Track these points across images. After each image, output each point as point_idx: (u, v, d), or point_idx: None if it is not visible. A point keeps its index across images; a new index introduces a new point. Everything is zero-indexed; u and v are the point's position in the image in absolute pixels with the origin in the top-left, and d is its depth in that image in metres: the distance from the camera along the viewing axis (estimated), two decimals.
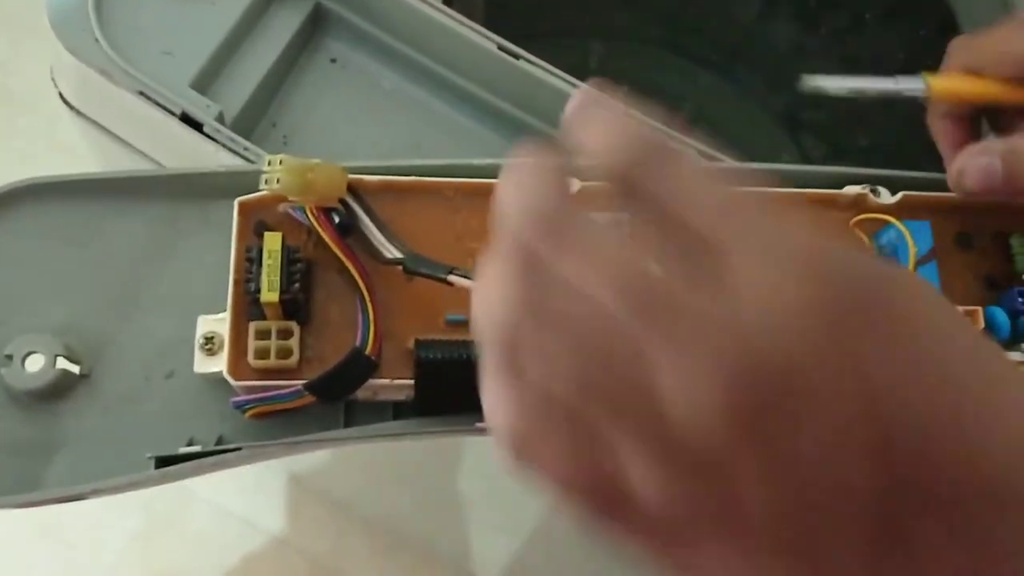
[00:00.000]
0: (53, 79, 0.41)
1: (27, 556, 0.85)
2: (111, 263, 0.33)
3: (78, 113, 0.41)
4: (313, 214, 0.31)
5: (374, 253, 0.30)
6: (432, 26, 0.40)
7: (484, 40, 0.39)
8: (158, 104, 0.36)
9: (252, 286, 0.29)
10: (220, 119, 0.37)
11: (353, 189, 0.31)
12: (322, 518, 0.89)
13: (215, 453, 0.30)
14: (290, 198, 0.30)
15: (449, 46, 0.40)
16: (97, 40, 0.37)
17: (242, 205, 0.31)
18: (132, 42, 0.38)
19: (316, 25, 0.42)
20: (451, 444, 0.63)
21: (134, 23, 0.38)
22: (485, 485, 0.70)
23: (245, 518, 0.89)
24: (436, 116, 0.42)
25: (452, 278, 0.29)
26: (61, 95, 0.41)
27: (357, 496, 0.89)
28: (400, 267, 0.30)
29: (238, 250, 0.31)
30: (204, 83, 0.38)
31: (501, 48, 0.39)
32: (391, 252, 0.30)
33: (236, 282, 0.30)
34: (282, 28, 0.41)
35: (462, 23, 0.39)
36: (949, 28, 0.51)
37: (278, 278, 0.29)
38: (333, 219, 0.31)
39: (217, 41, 0.39)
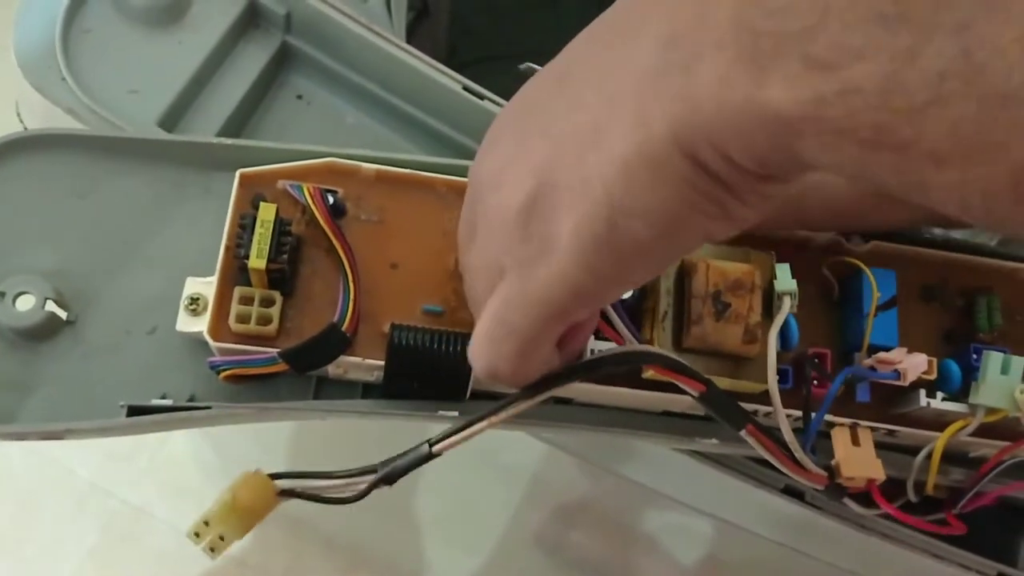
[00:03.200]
0: (18, 114, 0.41)
1: None
2: (110, 219, 0.35)
3: None
4: (310, 193, 0.32)
5: None
6: (397, 65, 0.41)
7: (449, 80, 0.40)
8: None
9: (242, 252, 0.31)
10: None
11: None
12: (280, 537, 0.89)
13: (186, 409, 0.31)
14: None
15: (414, 85, 0.41)
16: (64, 79, 0.38)
17: (243, 176, 0.33)
18: (99, 81, 0.38)
19: (282, 63, 0.43)
20: None
21: (101, 62, 0.39)
22: (446, 503, 0.71)
23: None
24: (399, 152, 0.43)
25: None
26: (27, 131, 0.42)
27: (316, 514, 0.89)
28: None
29: (233, 217, 0.32)
30: (171, 121, 0.39)
31: (466, 88, 0.40)
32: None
33: (227, 248, 0.32)
34: (248, 66, 0.41)
35: (427, 63, 0.40)
36: None
37: (267, 247, 0.30)
38: (327, 199, 0.32)
39: (184, 79, 0.39)
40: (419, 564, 0.85)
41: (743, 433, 0.28)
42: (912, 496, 0.34)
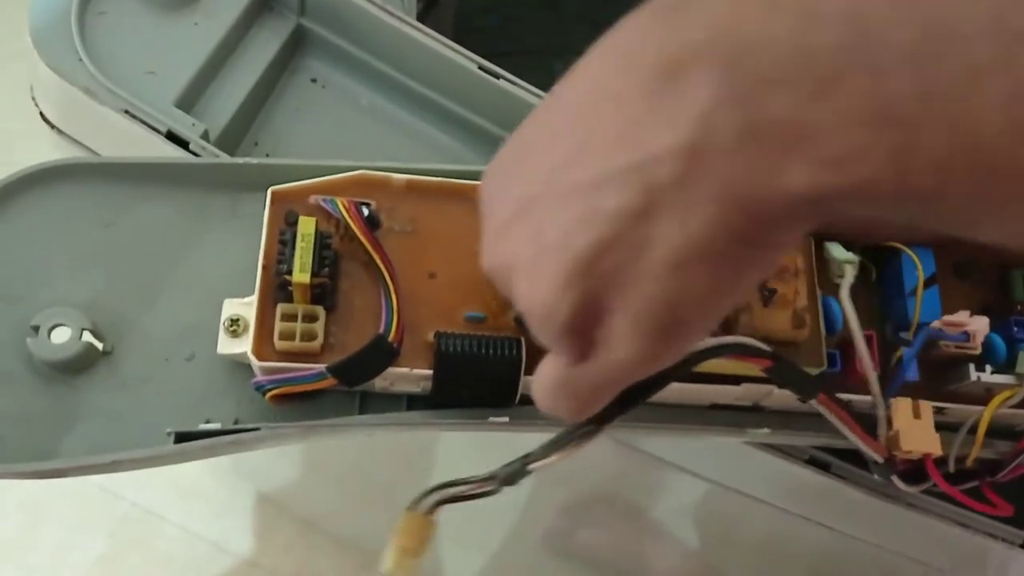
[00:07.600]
0: (33, 98, 0.41)
1: None
2: (139, 246, 0.34)
3: (59, 132, 0.41)
4: (344, 206, 0.32)
5: None
6: (412, 46, 0.41)
7: (465, 60, 0.40)
8: (144, 123, 0.37)
9: (284, 267, 0.30)
10: (205, 137, 0.38)
11: None
12: (292, 538, 0.89)
13: (234, 432, 0.31)
14: None
15: (429, 65, 0.41)
16: (81, 60, 0.38)
17: (275, 194, 0.32)
18: (116, 61, 0.38)
19: (297, 45, 0.43)
20: (422, 462, 0.63)
21: (117, 43, 0.39)
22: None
23: (214, 540, 0.88)
24: (415, 133, 0.43)
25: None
26: (42, 114, 0.41)
27: (327, 516, 0.89)
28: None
29: (269, 235, 0.32)
30: (188, 102, 0.39)
31: (481, 68, 0.40)
32: None
33: (265, 267, 0.31)
34: (264, 48, 0.42)
35: (442, 43, 0.40)
36: None
37: (310, 260, 0.30)
38: (363, 212, 0.32)
39: (200, 61, 0.39)
40: (431, 563, 0.84)
41: (814, 402, 0.28)
42: (951, 468, 0.34)
